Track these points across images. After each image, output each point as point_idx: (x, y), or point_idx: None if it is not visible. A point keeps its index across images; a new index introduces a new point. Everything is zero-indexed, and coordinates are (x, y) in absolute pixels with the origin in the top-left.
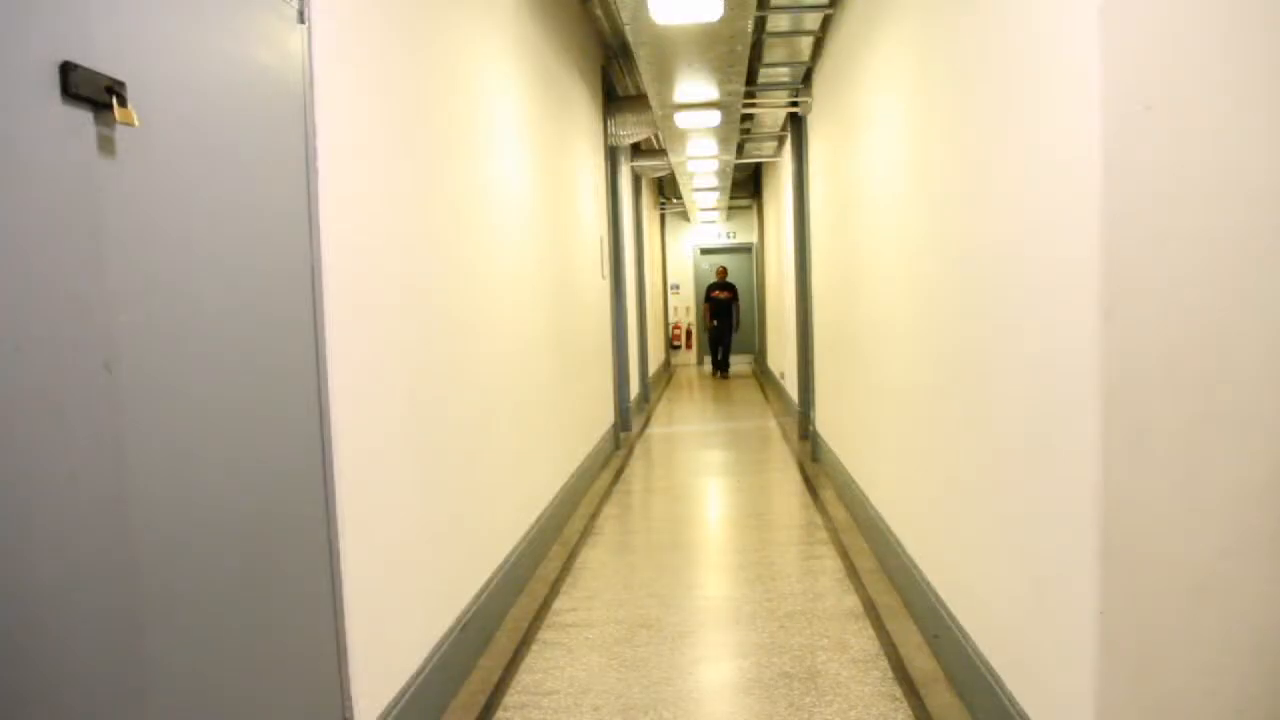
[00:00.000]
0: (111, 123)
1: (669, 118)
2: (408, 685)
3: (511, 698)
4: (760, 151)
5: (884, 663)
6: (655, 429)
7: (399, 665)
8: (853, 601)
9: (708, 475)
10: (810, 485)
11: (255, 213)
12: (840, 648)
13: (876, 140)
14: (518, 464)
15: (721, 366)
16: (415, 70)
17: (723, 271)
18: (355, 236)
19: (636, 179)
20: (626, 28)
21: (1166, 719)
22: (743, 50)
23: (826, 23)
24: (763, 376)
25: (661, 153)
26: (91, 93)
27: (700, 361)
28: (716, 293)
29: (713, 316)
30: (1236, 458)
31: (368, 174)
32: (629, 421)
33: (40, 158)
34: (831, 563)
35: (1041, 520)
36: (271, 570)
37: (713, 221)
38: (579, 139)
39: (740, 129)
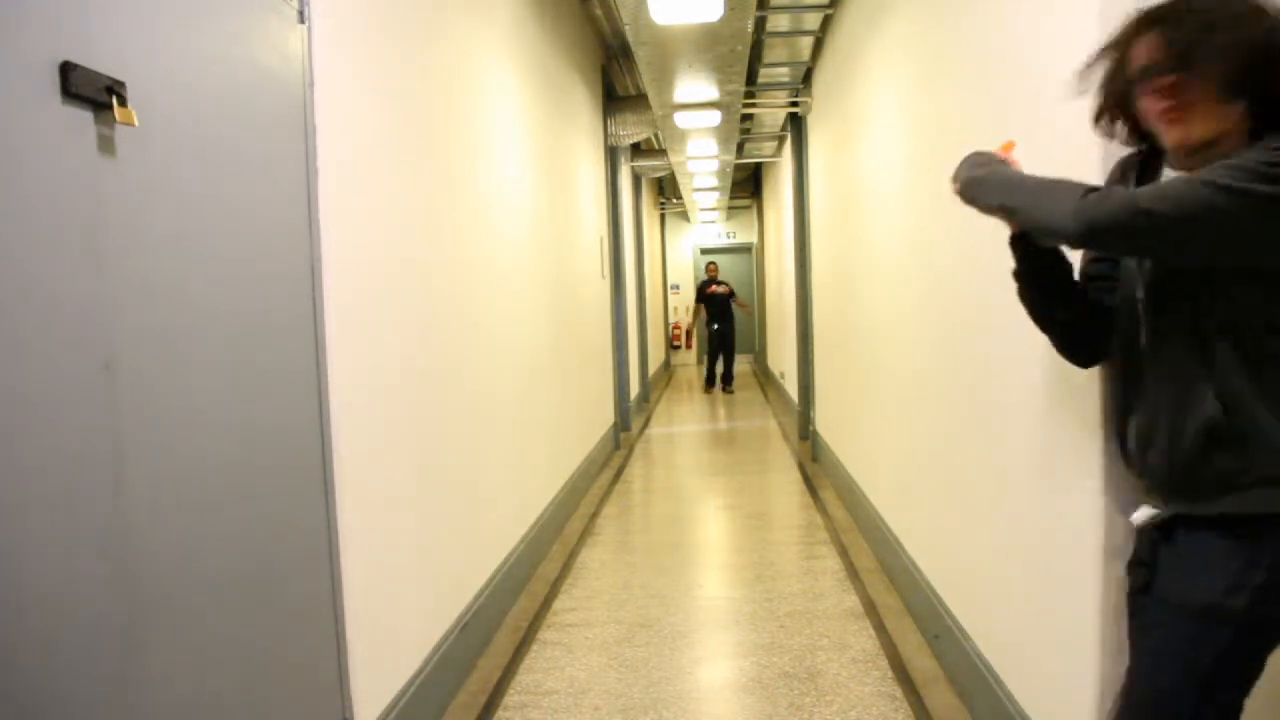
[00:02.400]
0: (111, 123)
1: (669, 118)
2: (408, 685)
3: (511, 698)
4: (760, 151)
5: (884, 663)
6: (655, 429)
7: (399, 665)
8: (853, 601)
9: (708, 475)
10: (810, 485)
11: (255, 213)
12: (840, 648)
13: (876, 140)
14: (517, 464)
15: (725, 379)
16: (415, 70)
17: (714, 268)
18: (355, 236)
19: (636, 179)
20: (626, 28)
21: None
22: (743, 50)
23: (826, 23)
24: (763, 376)
25: (661, 153)
26: (91, 93)
27: (700, 361)
28: (713, 288)
29: (712, 319)
30: None
31: (367, 174)
32: (629, 421)
33: (40, 158)
34: (831, 563)
35: (1042, 520)
36: (271, 570)
37: (713, 221)
38: (579, 139)
39: (740, 129)
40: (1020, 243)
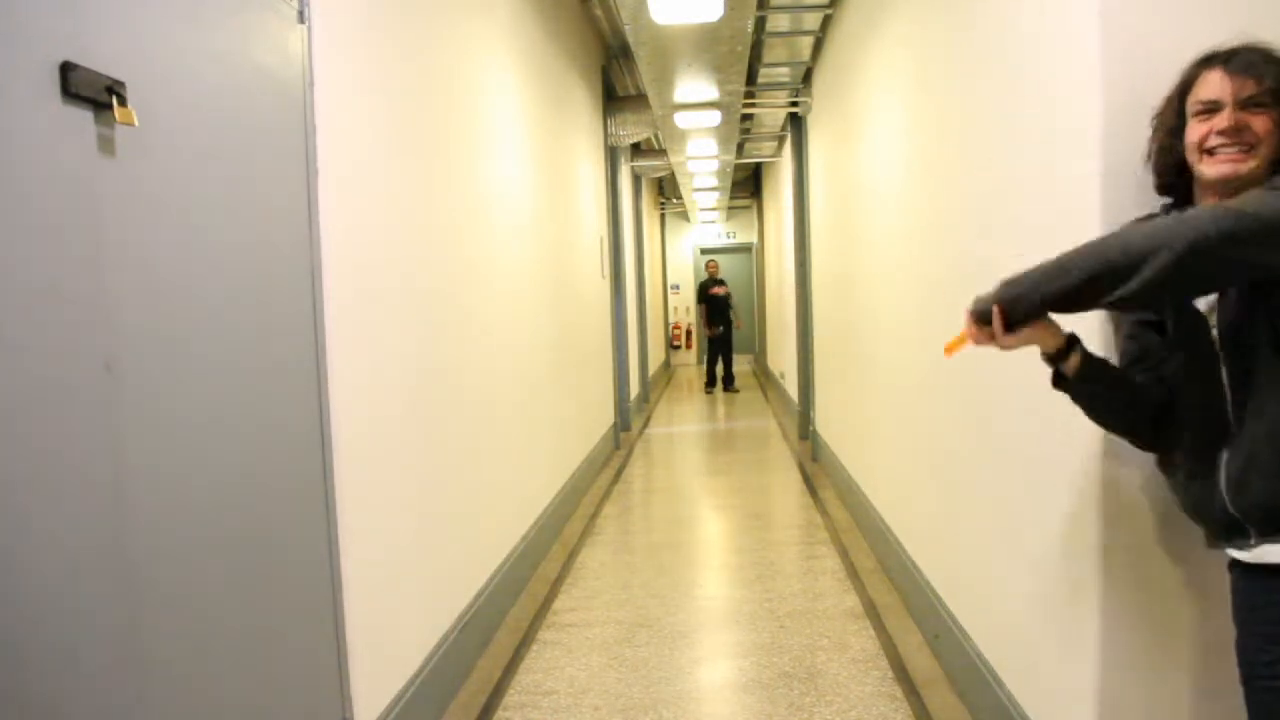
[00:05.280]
0: (111, 123)
1: (669, 118)
2: (408, 685)
3: (511, 698)
4: (760, 151)
5: (884, 663)
6: (655, 429)
7: (399, 665)
8: (853, 601)
9: (708, 475)
10: (810, 485)
11: (255, 212)
12: (840, 648)
13: (876, 140)
14: (518, 463)
15: (726, 379)
16: (415, 70)
17: (714, 266)
18: (355, 236)
19: (636, 179)
20: (626, 28)
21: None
22: (743, 50)
23: (826, 23)
24: (763, 376)
25: (661, 153)
26: (91, 93)
27: (700, 361)
28: (714, 289)
29: (713, 320)
30: None
31: (368, 174)
32: (629, 421)
33: (40, 158)
34: (831, 562)
35: (1042, 519)
36: (271, 570)
37: (713, 221)
38: (579, 139)
39: (740, 129)
40: (1076, 358)
